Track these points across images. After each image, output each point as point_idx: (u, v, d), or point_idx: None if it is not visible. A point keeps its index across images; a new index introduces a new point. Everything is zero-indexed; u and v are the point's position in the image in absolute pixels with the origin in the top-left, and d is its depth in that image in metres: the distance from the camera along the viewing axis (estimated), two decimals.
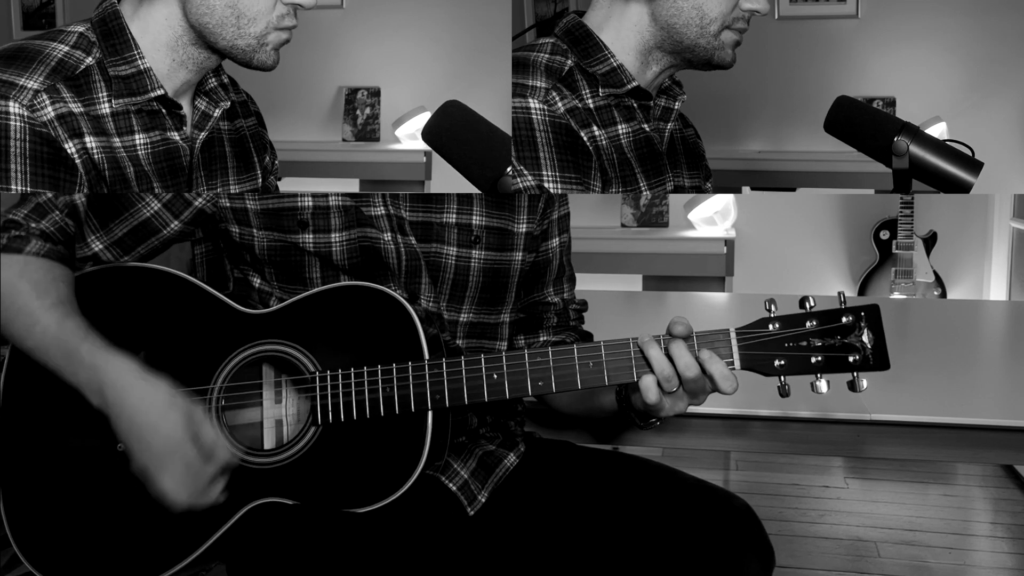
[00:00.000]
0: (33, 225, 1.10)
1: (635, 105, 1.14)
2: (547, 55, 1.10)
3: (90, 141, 1.02)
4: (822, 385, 0.96)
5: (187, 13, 1.05)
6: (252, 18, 1.05)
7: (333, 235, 1.10)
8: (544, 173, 1.05)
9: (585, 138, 1.07)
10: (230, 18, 1.04)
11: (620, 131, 1.11)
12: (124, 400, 1.00)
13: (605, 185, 1.09)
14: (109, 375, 1.00)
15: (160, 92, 1.06)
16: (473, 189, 1.08)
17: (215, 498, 1.01)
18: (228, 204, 1.11)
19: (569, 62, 1.10)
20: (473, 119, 1.06)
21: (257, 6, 1.05)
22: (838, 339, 0.96)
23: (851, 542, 2.46)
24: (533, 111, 1.05)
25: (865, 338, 0.95)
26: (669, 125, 1.18)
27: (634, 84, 1.11)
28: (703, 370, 0.97)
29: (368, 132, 3.06)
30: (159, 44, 1.07)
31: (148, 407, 0.99)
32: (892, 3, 2.64)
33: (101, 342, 1.03)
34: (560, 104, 1.07)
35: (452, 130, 1.06)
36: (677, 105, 1.18)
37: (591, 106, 1.09)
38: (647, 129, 1.15)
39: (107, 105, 1.04)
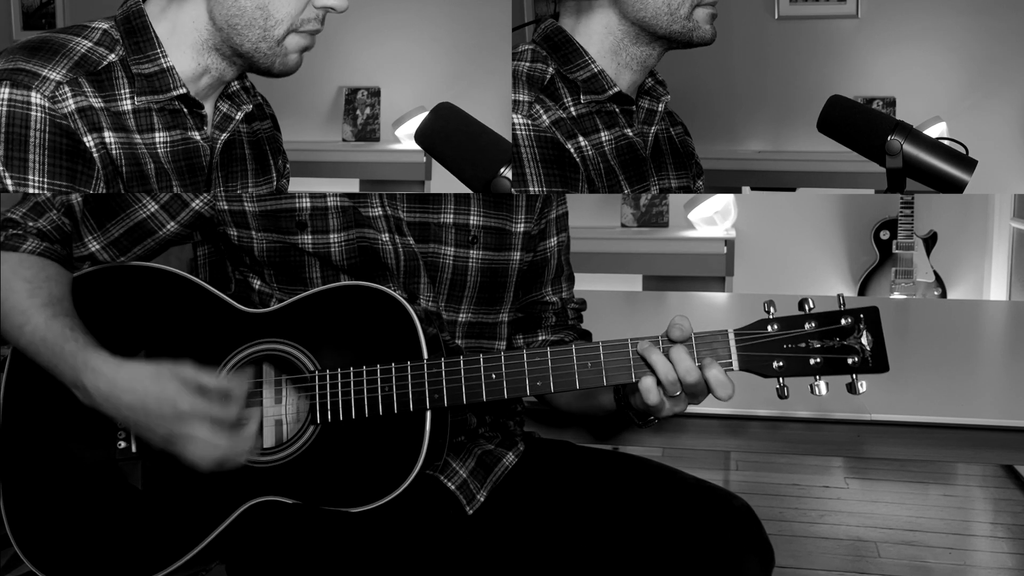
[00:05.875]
0: (31, 224, 1.11)
1: (617, 110, 1.13)
2: (528, 63, 1.10)
3: (109, 136, 1.02)
4: (821, 387, 0.96)
5: (214, 15, 1.04)
6: (279, 20, 1.04)
7: (332, 236, 1.11)
8: (531, 188, 1.05)
9: (572, 150, 1.07)
10: (259, 19, 1.03)
11: (603, 138, 1.10)
12: (115, 394, 1.00)
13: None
14: (90, 375, 1.01)
15: (182, 91, 1.06)
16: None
17: (254, 435, 1.01)
18: (226, 207, 1.11)
19: (550, 70, 1.09)
20: (465, 121, 1.06)
21: (286, 8, 1.04)
22: (837, 341, 0.96)
23: (851, 542, 2.46)
24: (517, 127, 1.05)
25: (864, 340, 0.95)
26: (653, 128, 1.17)
27: (616, 89, 1.10)
28: (700, 373, 0.97)
29: (368, 132, 3.06)
30: (185, 47, 1.06)
31: (142, 391, 0.99)
32: (892, 3, 2.64)
33: (84, 341, 1.03)
34: (545, 117, 1.06)
35: (445, 132, 1.06)
36: (660, 107, 1.17)
37: (574, 114, 1.09)
38: (630, 135, 1.14)
39: (128, 102, 1.04)
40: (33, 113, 0.97)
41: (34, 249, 1.10)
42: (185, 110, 1.08)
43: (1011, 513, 2.65)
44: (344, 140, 3.09)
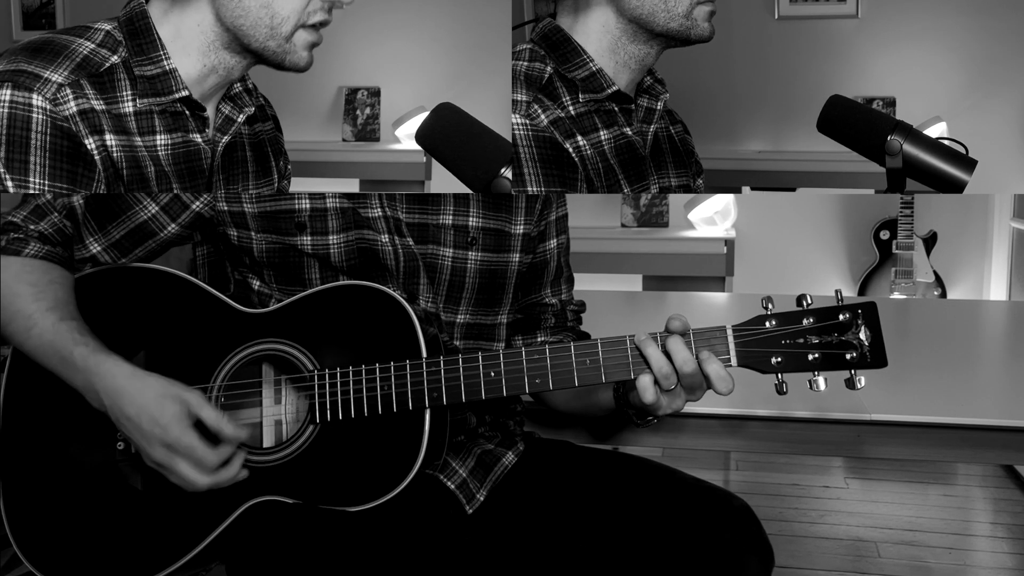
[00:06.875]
0: (32, 227, 1.10)
1: (616, 109, 1.13)
2: (526, 63, 1.09)
3: (110, 139, 1.02)
4: (820, 382, 0.96)
5: (221, 16, 1.04)
6: (285, 17, 1.04)
7: (331, 237, 1.11)
8: (529, 188, 1.05)
9: (570, 149, 1.07)
10: (264, 18, 1.04)
11: (602, 138, 1.10)
12: (120, 402, 1.01)
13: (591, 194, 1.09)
14: (102, 380, 1.02)
15: (184, 93, 1.06)
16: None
17: (236, 475, 1.02)
18: (225, 208, 1.12)
19: (548, 69, 1.09)
20: (466, 121, 1.06)
21: (291, 5, 1.04)
22: (835, 336, 0.96)
23: (851, 542, 2.46)
24: (515, 126, 1.05)
25: (862, 335, 0.95)
26: (652, 126, 1.17)
27: (614, 88, 1.10)
28: (700, 369, 0.97)
29: (368, 132, 3.06)
30: (191, 49, 1.06)
31: (143, 404, 1.00)
32: (892, 3, 2.64)
33: (95, 345, 1.04)
34: (543, 116, 1.06)
35: (445, 132, 1.06)
36: (659, 105, 1.17)
37: (572, 114, 1.09)
38: (629, 134, 1.14)
39: (130, 104, 1.04)
40: (34, 115, 0.97)
41: (36, 253, 1.10)
42: (187, 112, 1.08)
43: (1011, 513, 2.65)
44: (344, 140, 3.09)
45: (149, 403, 1.00)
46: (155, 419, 0.99)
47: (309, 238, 1.10)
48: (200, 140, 1.10)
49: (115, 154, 1.02)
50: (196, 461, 1.00)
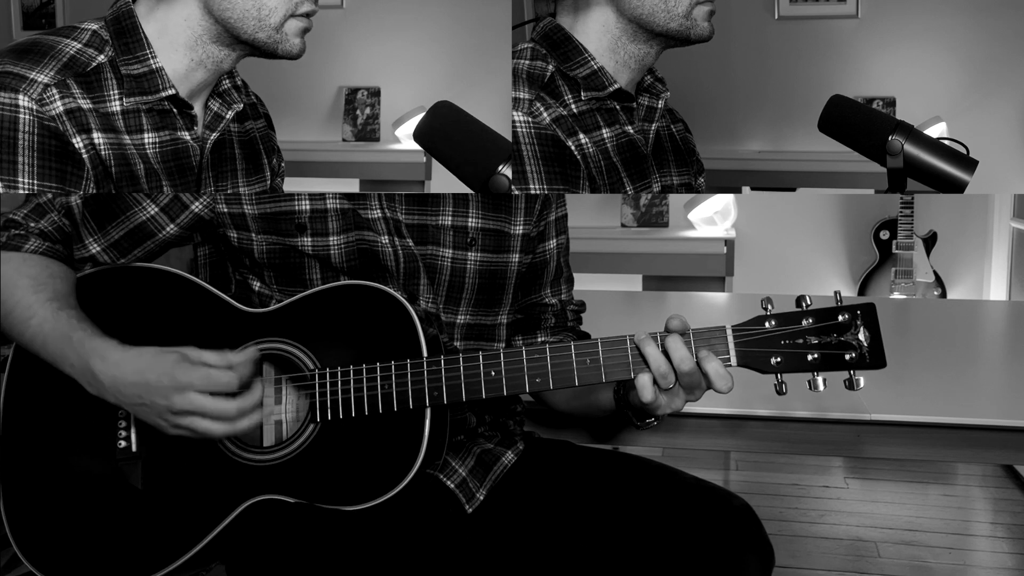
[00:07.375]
0: (32, 224, 1.11)
1: (618, 107, 1.13)
2: (527, 61, 1.10)
3: (98, 137, 1.02)
4: (819, 382, 0.96)
5: (209, 9, 1.05)
6: (273, 8, 1.05)
7: (331, 238, 1.11)
8: (532, 186, 1.05)
9: (573, 147, 1.07)
10: (252, 10, 1.05)
11: (604, 136, 1.11)
12: (118, 374, 1.00)
13: (593, 192, 1.09)
14: (96, 360, 1.01)
15: (171, 92, 1.06)
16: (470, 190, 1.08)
17: (256, 401, 1.01)
18: (225, 209, 1.12)
19: (550, 67, 1.09)
20: (464, 119, 1.07)
21: None
22: (834, 337, 0.96)
23: (851, 542, 2.46)
24: (518, 124, 1.05)
25: (861, 336, 0.95)
26: (654, 125, 1.17)
27: (616, 86, 1.10)
28: (699, 367, 0.97)
29: (368, 132, 3.06)
30: (178, 44, 1.07)
31: (139, 367, 0.99)
32: (892, 3, 2.64)
33: (92, 331, 1.04)
34: (545, 114, 1.06)
35: (443, 130, 1.07)
36: (660, 104, 1.17)
37: (575, 112, 1.09)
38: (631, 132, 1.14)
39: (117, 103, 1.04)
40: (21, 116, 0.97)
41: (36, 248, 1.10)
42: (175, 111, 1.09)
43: (1011, 513, 2.65)
44: (344, 140, 3.09)
45: (150, 363, 0.99)
46: (160, 372, 0.98)
47: (309, 239, 1.10)
48: (188, 138, 1.10)
49: (103, 152, 1.02)
50: (213, 383, 0.98)
